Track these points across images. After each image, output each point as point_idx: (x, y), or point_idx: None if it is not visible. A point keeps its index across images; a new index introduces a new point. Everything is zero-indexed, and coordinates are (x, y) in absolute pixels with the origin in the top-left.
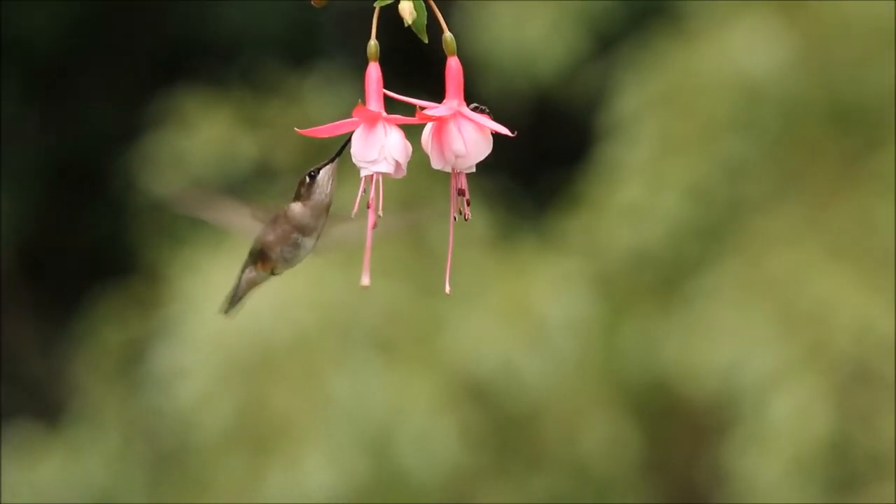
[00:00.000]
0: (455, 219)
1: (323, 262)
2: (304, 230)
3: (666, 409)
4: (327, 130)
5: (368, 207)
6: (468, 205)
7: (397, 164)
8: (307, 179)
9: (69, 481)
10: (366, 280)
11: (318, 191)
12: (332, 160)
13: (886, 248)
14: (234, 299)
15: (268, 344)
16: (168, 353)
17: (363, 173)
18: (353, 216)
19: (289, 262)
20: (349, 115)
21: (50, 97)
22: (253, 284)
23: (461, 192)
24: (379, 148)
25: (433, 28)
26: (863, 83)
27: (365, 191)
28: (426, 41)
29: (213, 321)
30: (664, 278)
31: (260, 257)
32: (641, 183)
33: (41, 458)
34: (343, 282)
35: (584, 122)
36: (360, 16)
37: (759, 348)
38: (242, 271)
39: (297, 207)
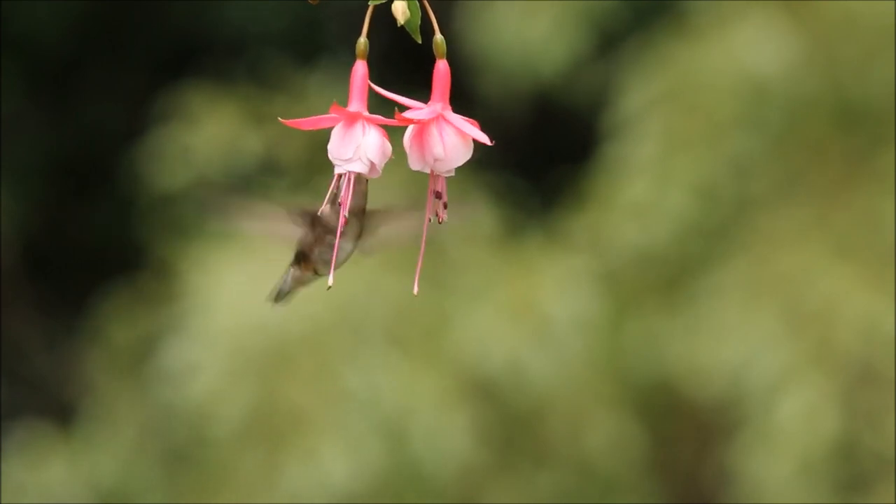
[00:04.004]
0: (430, 221)
1: None
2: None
3: (671, 408)
4: (309, 124)
5: (339, 204)
6: (445, 208)
7: (372, 164)
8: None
9: (80, 480)
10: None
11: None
12: None
13: (891, 247)
14: (281, 294)
15: (280, 339)
16: (179, 349)
17: (336, 171)
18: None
19: (328, 263)
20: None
21: (54, 93)
22: (301, 283)
23: (438, 195)
24: (355, 147)
25: (431, 28)
26: (868, 82)
27: (338, 187)
28: (419, 41)
29: (225, 317)
30: (670, 276)
31: (301, 258)
32: (647, 181)
33: (51, 457)
34: (354, 276)
35: (589, 121)
36: (365, 12)
37: (765, 348)
38: (289, 269)
39: (328, 210)
